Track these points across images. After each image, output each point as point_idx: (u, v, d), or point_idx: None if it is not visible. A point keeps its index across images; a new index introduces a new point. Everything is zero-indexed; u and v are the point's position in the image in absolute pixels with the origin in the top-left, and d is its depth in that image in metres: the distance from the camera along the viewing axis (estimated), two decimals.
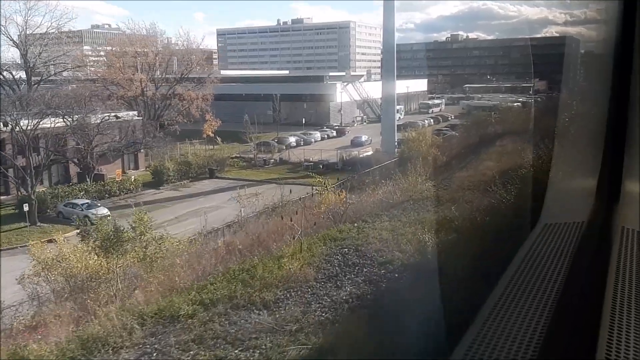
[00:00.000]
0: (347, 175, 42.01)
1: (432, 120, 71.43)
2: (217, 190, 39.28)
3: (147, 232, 16.77)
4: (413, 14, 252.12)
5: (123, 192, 36.74)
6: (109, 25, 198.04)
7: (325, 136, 61.51)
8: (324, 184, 30.53)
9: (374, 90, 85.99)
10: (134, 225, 16.94)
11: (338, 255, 12.56)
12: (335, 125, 65.06)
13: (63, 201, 33.11)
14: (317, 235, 14.08)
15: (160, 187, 39.89)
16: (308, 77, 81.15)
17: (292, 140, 56.13)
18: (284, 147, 53.76)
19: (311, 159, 47.91)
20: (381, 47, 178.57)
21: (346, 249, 12.86)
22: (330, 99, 74.23)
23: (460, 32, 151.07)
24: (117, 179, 37.03)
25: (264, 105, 74.46)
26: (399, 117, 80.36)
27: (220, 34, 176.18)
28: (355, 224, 15.18)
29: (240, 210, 26.44)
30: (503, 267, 3.49)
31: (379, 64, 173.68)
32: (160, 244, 16.37)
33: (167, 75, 52.64)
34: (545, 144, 9.29)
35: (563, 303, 2.76)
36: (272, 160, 48.33)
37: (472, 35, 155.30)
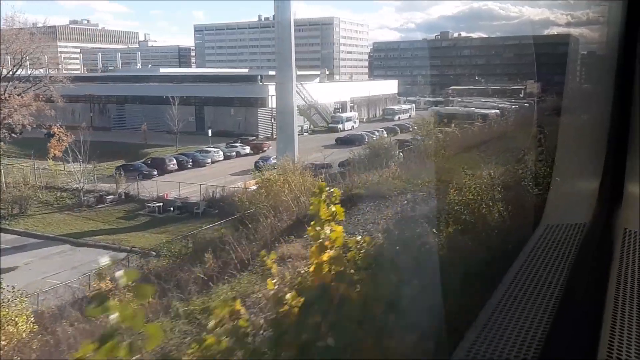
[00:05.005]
0: (201, 225, 25.80)
1: (384, 132, 54.25)
2: None
3: None
4: (414, 13, 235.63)
5: None
6: (88, 20, 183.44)
7: (234, 154, 44.78)
8: None
9: (335, 92, 69.39)
10: None
11: None
12: (252, 139, 48.15)
13: None
14: None
15: None
16: (238, 76, 64.20)
17: (172, 162, 39.46)
18: (155, 174, 37.32)
19: (166, 196, 31.39)
20: (372, 46, 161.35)
21: None
22: (262, 103, 57.60)
23: (461, 32, 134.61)
24: None
25: (186, 110, 58.26)
26: (352, 127, 63.77)
27: (198, 30, 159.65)
28: None
29: None
30: (505, 268, 3.34)
31: (366, 63, 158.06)
32: None
33: None
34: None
35: (565, 304, 2.66)
36: (110, 197, 31.74)
37: (473, 36, 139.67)
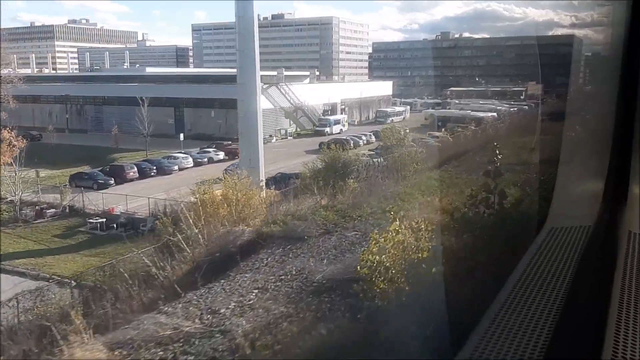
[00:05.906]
0: (144, 246, 22.21)
1: (372, 136, 50.65)
2: None
3: None
4: (415, 14, 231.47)
5: None
6: (87, 20, 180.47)
7: (206, 160, 41.12)
8: None
9: (326, 93, 65.58)
10: None
11: None
12: (227, 143, 44.47)
13: None
14: None
15: None
16: (221, 76, 60.60)
17: (133, 169, 35.88)
18: (112, 183, 33.86)
19: (112, 210, 27.82)
20: (370, 46, 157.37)
21: None
22: None
23: (465, 34, 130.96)
24: None
25: (166, 111, 54.90)
26: (341, 130, 60.07)
27: (196, 30, 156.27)
28: None
29: None
30: (510, 270, 3.28)
31: (366, 64, 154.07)
32: None
33: None
34: None
35: (569, 306, 2.64)
36: (52, 211, 28.15)
37: (475, 36, 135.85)
